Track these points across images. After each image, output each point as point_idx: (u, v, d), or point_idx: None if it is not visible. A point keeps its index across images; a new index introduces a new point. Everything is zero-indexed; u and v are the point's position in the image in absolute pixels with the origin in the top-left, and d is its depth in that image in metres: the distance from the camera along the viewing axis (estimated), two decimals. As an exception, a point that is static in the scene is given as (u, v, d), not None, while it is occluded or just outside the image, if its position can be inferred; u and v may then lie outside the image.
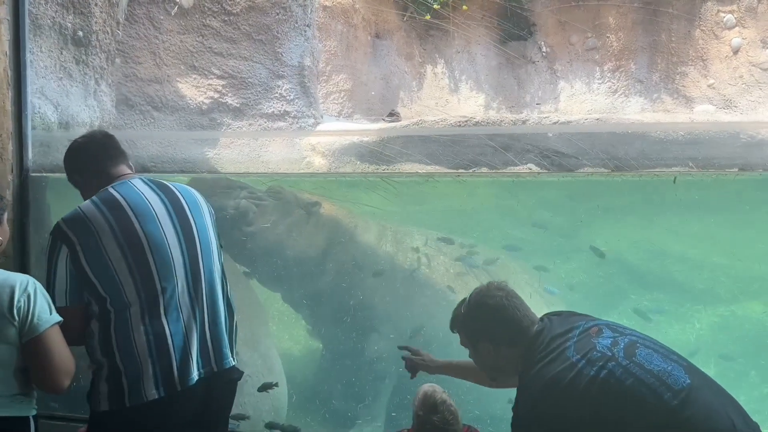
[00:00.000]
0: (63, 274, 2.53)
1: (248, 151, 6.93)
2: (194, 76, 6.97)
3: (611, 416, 2.27)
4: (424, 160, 5.21)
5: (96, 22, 4.54)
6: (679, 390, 2.24)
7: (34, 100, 4.01)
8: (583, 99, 9.44)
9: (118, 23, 6.08)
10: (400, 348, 3.18)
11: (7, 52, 3.28)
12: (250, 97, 7.19)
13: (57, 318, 2.44)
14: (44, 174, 3.76)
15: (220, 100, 7.00)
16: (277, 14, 7.49)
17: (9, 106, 3.29)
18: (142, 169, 6.32)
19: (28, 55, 3.45)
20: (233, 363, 2.70)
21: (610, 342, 2.41)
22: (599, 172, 4.00)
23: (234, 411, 3.11)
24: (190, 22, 7.01)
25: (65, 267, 2.53)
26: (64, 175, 2.97)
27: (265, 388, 3.87)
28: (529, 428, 2.44)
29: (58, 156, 4.68)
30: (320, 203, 5.39)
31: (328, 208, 5.42)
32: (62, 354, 2.44)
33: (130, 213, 2.57)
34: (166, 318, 2.51)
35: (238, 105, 7.12)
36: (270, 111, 7.30)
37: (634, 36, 9.17)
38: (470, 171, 5.23)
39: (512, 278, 5.58)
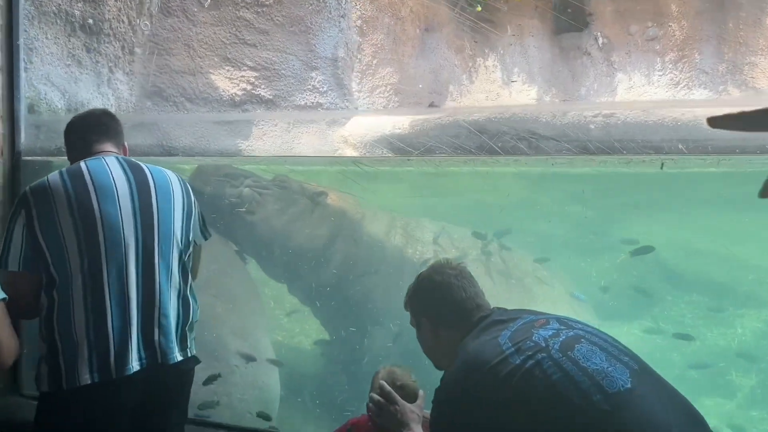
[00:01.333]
0: (18, 239, 2.53)
1: (281, 143, 6.95)
2: (227, 67, 7.06)
3: (531, 411, 2.05)
4: (396, 143, 5.04)
5: (109, 11, 4.59)
6: (612, 393, 1.99)
7: (39, 86, 4.11)
8: (642, 92, 9.00)
9: (151, 15, 6.19)
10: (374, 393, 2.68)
11: (-2, 37, 3.34)
12: (282, 89, 7.23)
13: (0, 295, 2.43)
14: (39, 158, 3.81)
15: (253, 91, 7.07)
16: (311, 5, 7.49)
17: (-1, 90, 3.35)
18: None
19: (22, 39, 3.51)
20: (180, 358, 2.61)
21: (550, 334, 2.20)
22: (575, 156, 3.71)
23: (221, 402, 3.03)
24: (223, 13, 7.10)
25: (21, 232, 2.53)
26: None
27: (210, 380, 3.78)
28: (442, 409, 2.24)
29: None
30: (326, 193, 5.29)
31: (335, 198, 5.31)
32: (4, 332, 2.43)
33: (90, 187, 2.55)
34: (109, 300, 2.46)
35: (270, 97, 7.17)
36: (303, 103, 7.33)
37: (699, 24, 8.66)
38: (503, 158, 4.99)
39: (533, 278, 5.33)
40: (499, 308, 2.52)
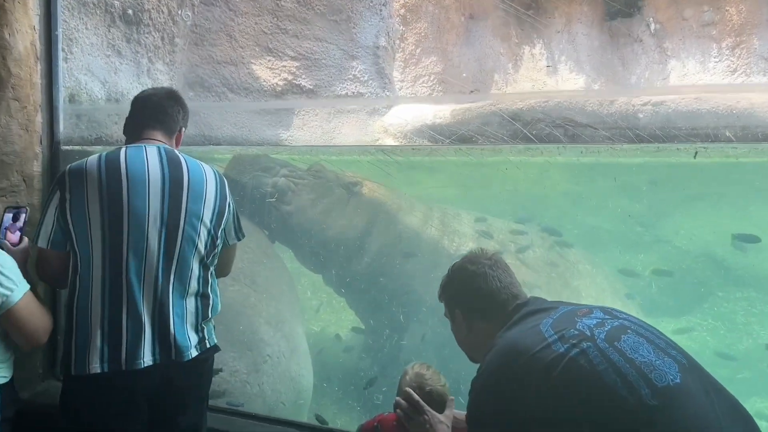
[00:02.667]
0: (51, 218, 2.53)
1: (321, 133, 6.93)
2: (269, 57, 7.06)
3: (575, 401, 1.92)
4: (428, 131, 4.91)
5: (148, 1, 4.61)
6: (661, 387, 1.87)
7: (80, 76, 4.15)
8: (697, 79, 8.64)
9: (193, 5, 6.22)
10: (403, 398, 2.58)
11: (36, 27, 3.38)
12: (323, 79, 7.19)
13: (25, 287, 2.48)
14: (78, 147, 3.84)
15: (294, 81, 7.05)
16: (352, -6, 7.41)
17: (37, 78, 3.39)
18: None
19: (61, 30, 3.54)
20: (196, 353, 2.58)
21: (594, 323, 2.08)
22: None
23: (253, 392, 2.99)
24: (264, 3, 7.09)
25: (54, 213, 2.53)
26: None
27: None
28: (480, 398, 2.14)
29: (106, 132, 4.86)
30: (362, 183, 5.19)
31: (371, 188, 5.21)
32: (36, 317, 2.50)
33: (123, 179, 2.51)
34: (126, 293, 2.44)
35: (311, 86, 7.15)
36: (343, 92, 7.30)
37: (758, 8, 8.28)
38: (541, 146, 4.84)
39: (589, 280, 5.14)
40: (536, 297, 2.41)
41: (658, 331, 2.15)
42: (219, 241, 2.68)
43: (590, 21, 9.18)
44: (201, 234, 2.58)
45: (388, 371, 4.69)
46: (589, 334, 2.02)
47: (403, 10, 8.35)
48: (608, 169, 5.40)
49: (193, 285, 2.58)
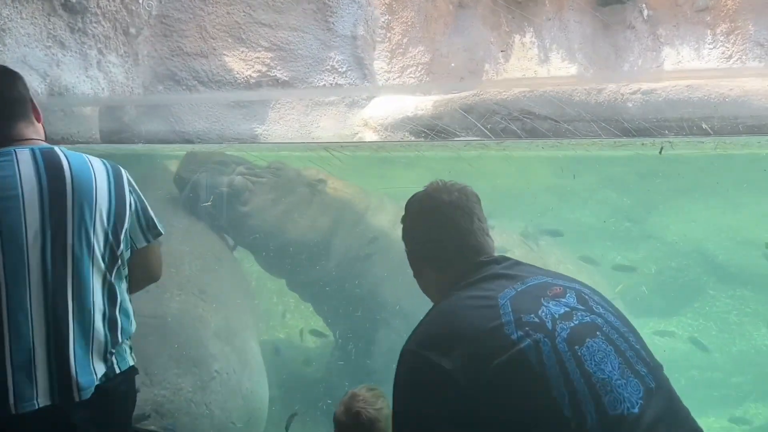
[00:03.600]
0: None
1: (298, 126, 6.74)
2: (241, 49, 6.85)
3: (506, 400, 1.62)
4: (411, 126, 4.67)
5: (96, -12, 4.31)
6: (612, 416, 1.57)
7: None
8: (691, 67, 8.46)
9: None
10: None
11: (-43, 15, 3.08)
12: (299, 70, 7.02)
13: None
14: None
15: (269, 73, 6.88)
16: (328, -20, 7.20)
17: (-42, 71, 3.08)
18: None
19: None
20: (104, 383, 2.26)
21: (561, 312, 1.75)
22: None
23: (200, 411, 2.71)
24: (236, -9, 6.85)
25: None
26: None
27: (138, 420, 3.32)
28: (406, 359, 1.81)
29: (50, 128, 4.59)
30: (326, 180, 4.88)
31: (336, 186, 4.90)
32: None
33: None
34: (8, 329, 2.11)
35: (287, 78, 6.97)
36: (321, 84, 7.12)
37: (754, -8, 8.08)
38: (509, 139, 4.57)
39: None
40: (505, 257, 2.03)
41: (634, 334, 1.82)
42: (123, 247, 2.33)
43: (582, 8, 8.99)
44: (96, 246, 2.23)
45: (353, 382, 4.43)
46: (550, 326, 1.71)
47: (388, -1, 8.12)
48: (592, 163, 5.13)
49: (98, 307, 2.25)
